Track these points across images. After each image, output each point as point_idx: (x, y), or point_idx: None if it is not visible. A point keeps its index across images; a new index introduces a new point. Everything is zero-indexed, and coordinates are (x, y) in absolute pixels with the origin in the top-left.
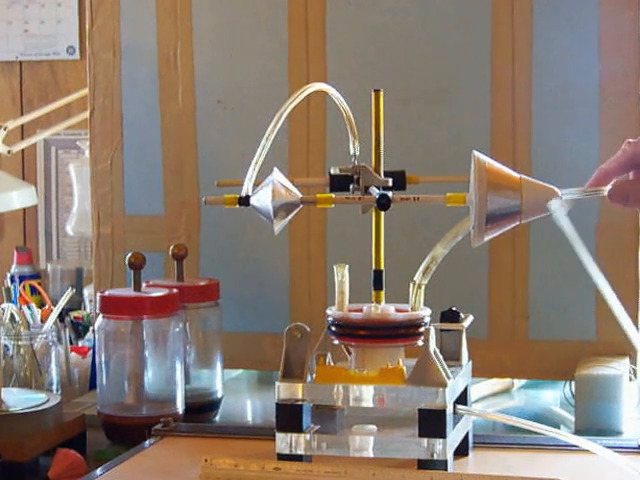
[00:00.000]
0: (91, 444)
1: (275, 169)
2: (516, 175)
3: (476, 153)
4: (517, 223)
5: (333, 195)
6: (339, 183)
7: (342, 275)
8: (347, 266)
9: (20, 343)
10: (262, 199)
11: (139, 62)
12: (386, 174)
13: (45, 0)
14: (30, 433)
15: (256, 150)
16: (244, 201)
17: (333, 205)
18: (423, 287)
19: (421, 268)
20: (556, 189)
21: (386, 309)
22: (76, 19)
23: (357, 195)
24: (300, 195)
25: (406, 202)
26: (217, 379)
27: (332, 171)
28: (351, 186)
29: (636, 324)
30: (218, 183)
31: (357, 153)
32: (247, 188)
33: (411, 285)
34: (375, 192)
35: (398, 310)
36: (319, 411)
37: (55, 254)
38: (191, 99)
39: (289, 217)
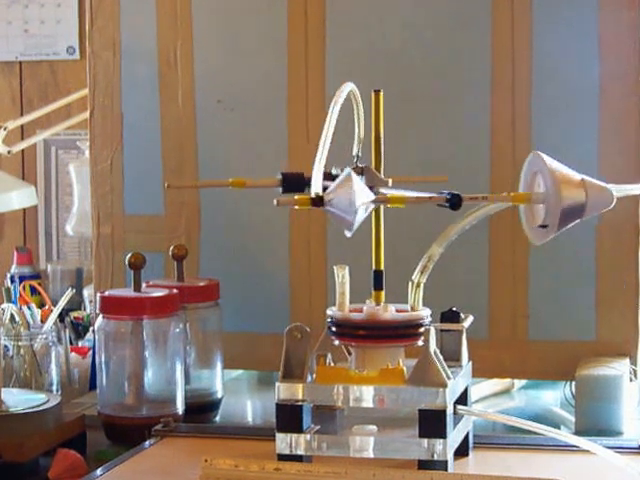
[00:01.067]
0: (91, 444)
1: (347, 168)
2: (578, 175)
3: (540, 153)
4: (578, 220)
5: (405, 195)
6: (291, 184)
7: (342, 276)
8: (347, 267)
9: (20, 343)
10: (340, 200)
11: (139, 62)
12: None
13: (45, 0)
14: (30, 433)
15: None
16: (318, 202)
17: (404, 205)
18: (422, 286)
19: (419, 267)
20: (609, 187)
21: (386, 309)
22: (76, 19)
23: (426, 195)
24: (373, 195)
25: (475, 201)
26: (217, 379)
27: (334, 171)
28: None
29: (636, 324)
30: (168, 185)
31: (360, 154)
32: (317, 189)
33: (410, 284)
34: (445, 192)
35: (398, 310)
36: (319, 411)
37: (55, 254)
38: (191, 99)
39: (363, 218)
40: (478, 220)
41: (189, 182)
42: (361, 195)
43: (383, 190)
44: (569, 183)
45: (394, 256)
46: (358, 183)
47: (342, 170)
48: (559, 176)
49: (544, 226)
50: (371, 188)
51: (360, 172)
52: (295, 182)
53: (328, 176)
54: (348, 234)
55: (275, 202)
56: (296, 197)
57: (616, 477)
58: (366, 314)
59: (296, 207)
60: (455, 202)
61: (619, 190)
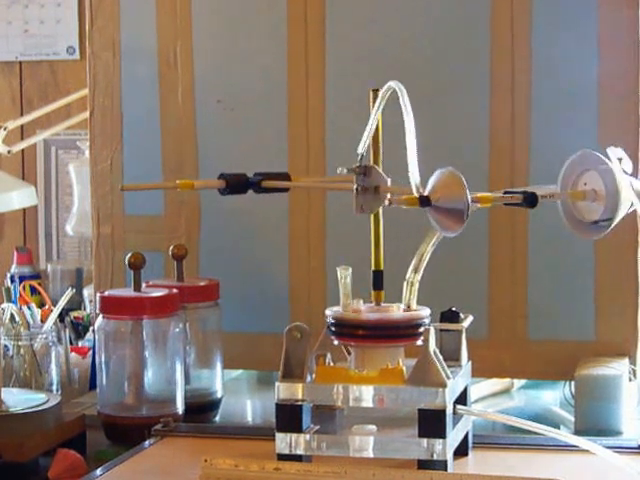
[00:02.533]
0: (91, 444)
1: (450, 167)
2: (625, 175)
3: (593, 152)
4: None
5: (492, 194)
6: (234, 185)
7: (345, 277)
8: (350, 268)
9: (20, 343)
10: (449, 199)
11: (139, 62)
12: None
13: (45, 0)
14: (30, 433)
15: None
16: (426, 201)
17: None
18: (416, 284)
19: (411, 266)
20: None
21: (386, 309)
22: (76, 19)
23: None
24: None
25: (545, 200)
26: (217, 379)
27: (339, 171)
28: (355, 186)
29: (636, 324)
30: (122, 187)
31: (365, 153)
32: (418, 188)
33: (404, 283)
34: (520, 191)
35: (398, 310)
36: (319, 411)
37: (55, 254)
38: (191, 99)
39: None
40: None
41: (139, 185)
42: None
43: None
44: (624, 181)
45: (394, 256)
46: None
47: (347, 170)
48: (619, 175)
49: (597, 222)
50: (377, 188)
51: (364, 172)
52: (239, 183)
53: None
54: (452, 235)
55: (387, 202)
56: (404, 197)
57: (616, 477)
58: (366, 314)
59: (404, 207)
60: (531, 201)
61: None
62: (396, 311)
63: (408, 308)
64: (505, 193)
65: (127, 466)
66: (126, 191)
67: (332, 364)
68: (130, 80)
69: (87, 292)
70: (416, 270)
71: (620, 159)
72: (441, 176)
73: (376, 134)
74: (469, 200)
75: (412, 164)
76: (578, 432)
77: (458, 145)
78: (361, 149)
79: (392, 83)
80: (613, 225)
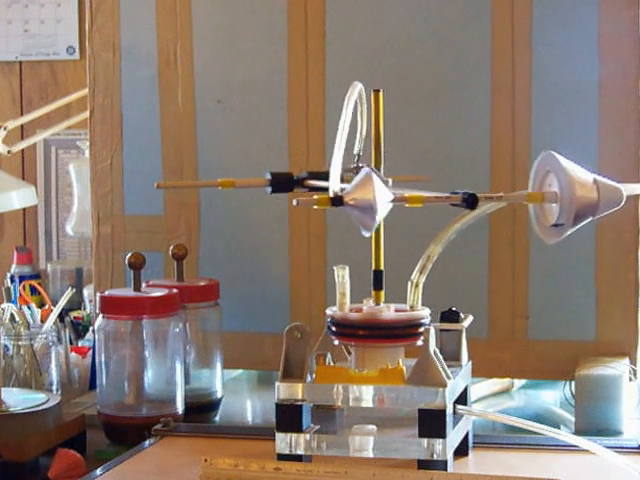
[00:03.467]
0: (91, 444)
1: (366, 167)
2: (590, 174)
3: (553, 153)
4: (590, 219)
5: (423, 195)
6: (280, 183)
7: (342, 276)
8: (347, 267)
9: (20, 343)
10: (360, 199)
11: (139, 62)
12: None
13: (45, 0)
14: (30, 433)
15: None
16: (337, 202)
17: (422, 205)
18: (421, 286)
19: (417, 267)
20: (621, 187)
21: (386, 309)
22: (76, 19)
23: (443, 195)
24: (392, 195)
25: (490, 201)
26: (217, 379)
27: None
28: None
29: (636, 324)
30: (157, 185)
31: (361, 153)
32: (336, 188)
33: (409, 284)
34: (461, 192)
35: (398, 310)
36: (319, 411)
37: (55, 254)
38: (191, 99)
39: (382, 218)
40: (475, 219)
41: (178, 182)
42: (381, 195)
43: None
44: (583, 183)
45: (394, 256)
46: (378, 182)
47: (343, 170)
48: (574, 176)
49: (558, 225)
50: None
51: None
52: (284, 182)
53: (327, 175)
54: (366, 234)
55: (295, 202)
56: (315, 197)
57: (616, 477)
58: (366, 314)
59: (315, 207)
60: (471, 202)
61: (628, 189)
62: (396, 311)
63: (411, 308)
64: (452, 193)
65: (127, 466)
66: (162, 188)
67: (332, 364)
68: (130, 80)
69: (87, 292)
70: (422, 271)
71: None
72: (359, 176)
73: (377, 135)
74: (376, 202)
75: (335, 162)
76: (578, 432)
77: (459, 145)
78: (357, 149)
79: (359, 85)
80: (571, 229)
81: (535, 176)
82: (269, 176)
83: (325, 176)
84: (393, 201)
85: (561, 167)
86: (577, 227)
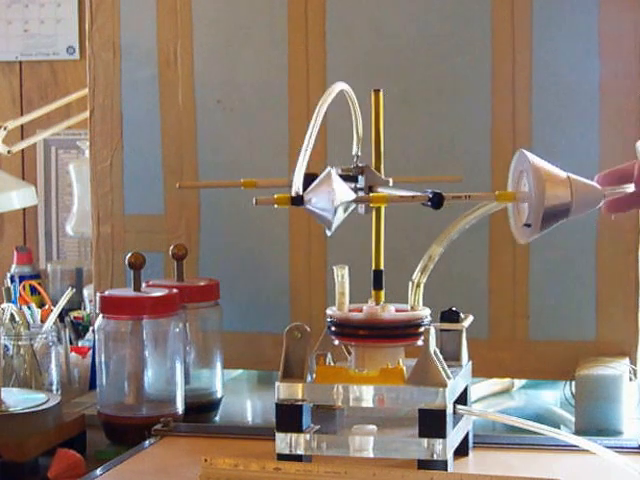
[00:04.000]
0: (91, 444)
1: (329, 168)
2: (563, 173)
3: (525, 151)
4: (564, 220)
5: (388, 194)
6: (305, 184)
7: (342, 276)
8: (347, 267)
9: (20, 343)
10: (319, 199)
11: (139, 62)
12: None
13: (45, 0)
14: (30, 433)
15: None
16: (297, 201)
17: (386, 204)
18: (422, 286)
19: (419, 267)
20: (599, 186)
21: (386, 309)
22: (76, 19)
23: (408, 194)
24: (354, 195)
25: (457, 200)
26: (217, 379)
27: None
28: (353, 185)
29: (636, 324)
30: (179, 185)
31: (360, 154)
32: (297, 188)
33: (410, 284)
34: (428, 191)
35: (398, 310)
36: (319, 411)
37: (55, 254)
38: (191, 99)
39: (343, 217)
40: (478, 219)
41: (200, 182)
42: (341, 194)
43: (381, 189)
44: (554, 181)
45: (394, 256)
46: (338, 182)
47: (342, 170)
48: (543, 174)
49: (528, 225)
50: (371, 188)
51: (360, 172)
52: (309, 183)
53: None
54: (328, 233)
55: (254, 201)
56: (276, 196)
57: (616, 477)
58: (366, 314)
59: (275, 206)
60: (437, 201)
61: (610, 189)
62: (396, 311)
63: (412, 309)
64: (423, 192)
65: (127, 466)
66: (183, 188)
67: (332, 364)
68: (130, 80)
69: (87, 292)
70: (423, 271)
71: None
72: (321, 175)
73: (377, 135)
74: (334, 201)
75: (301, 161)
76: (578, 432)
77: (459, 145)
78: (355, 150)
79: (340, 84)
80: (542, 230)
81: (512, 176)
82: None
83: (348, 178)
84: (355, 201)
85: (531, 165)
86: (550, 228)
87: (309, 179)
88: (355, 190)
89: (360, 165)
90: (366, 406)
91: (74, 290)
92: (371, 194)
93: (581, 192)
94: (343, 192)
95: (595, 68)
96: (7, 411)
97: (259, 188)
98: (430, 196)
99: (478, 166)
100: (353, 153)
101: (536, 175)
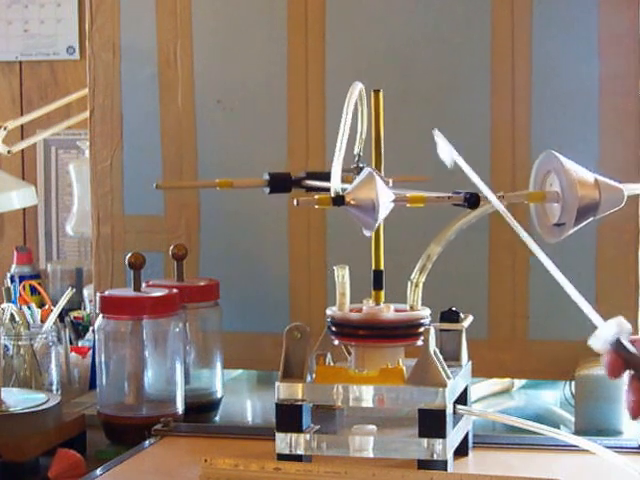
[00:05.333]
0: (91, 444)
1: (369, 168)
2: (591, 174)
3: (554, 152)
4: (591, 219)
5: (425, 194)
6: (278, 184)
7: (342, 276)
8: (347, 267)
9: (20, 343)
10: (361, 199)
11: (139, 62)
12: None
13: (45, 0)
14: (30, 433)
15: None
16: (338, 201)
17: (423, 205)
18: (421, 285)
19: (417, 267)
20: (622, 186)
21: (386, 309)
22: (76, 19)
23: (444, 195)
24: (393, 195)
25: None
26: (217, 379)
27: None
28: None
29: (636, 324)
30: (156, 186)
31: (361, 154)
32: (337, 188)
33: (409, 284)
34: (462, 192)
35: (398, 310)
36: (319, 411)
37: (55, 254)
38: (191, 99)
39: (383, 217)
40: (476, 219)
41: (177, 183)
42: (383, 195)
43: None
44: (584, 182)
45: (394, 256)
46: (380, 182)
47: (343, 170)
48: (575, 175)
49: (559, 224)
50: None
51: (361, 171)
52: (282, 182)
53: (325, 175)
54: (368, 234)
55: (295, 202)
56: (317, 197)
57: (616, 477)
58: (366, 314)
59: (317, 207)
60: (473, 202)
61: (629, 189)
62: (396, 311)
63: (411, 308)
64: (454, 193)
65: (127, 466)
66: (161, 189)
67: (332, 364)
68: (130, 80)
69: (87, 292)
70: (421, 271)
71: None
72: (361, 176)
73: (377, 135)
74: (378, 202)
75: (336, 162)
76: (578, 432)
77: (459, 145)
78: (357, 149)
79: (359, 85)
80: (573, 229)
81: (536, 176)
82: (267, 176)
83: (323, 176)
84: (394, 201)
85: (563, 167)
86: (579, 226)
87: (281, 178)
88: None
89: (361, 165)
90: (366, 406)
91: (74, 290)
92: (408, 194)
93: (607, 192)
94: (385, 192)
95: (595, 68)
96: (7, 411)
97: (235, 188)
98: (466, 197)
99: (478, 166)
100: (355, 152)
101: (569, 176)
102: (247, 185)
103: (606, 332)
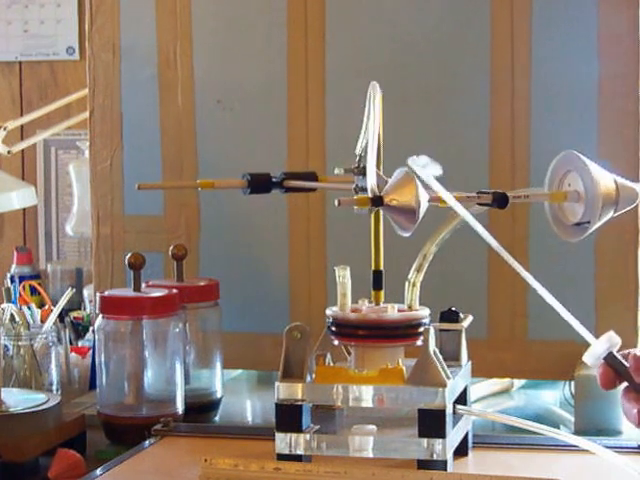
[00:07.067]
0: (91, 444)
1: (404, 168)
2: (609, 174)
3: (575, 152)
4: (609, 217)
5: (456, 194)
6: (257, 184)
7: (343, 277)
8: (348, 268)
9: (20, 343)
10: (401, 200)
11: (139, 62)
12: None
13: (45, 0)
14: (30, 433)
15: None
16: (377, 202)
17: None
18: (418, 285)
19: (414, 266)
20: (636, 186)
21: (386, 309)
22: (76, 19)
23: (473, 194)
24: (427, 195)
25: (517, 200)
26: (217, 379)
27: (336, 171)
28: (354, 185)
29: (636, 324)
30: (139, 186)
31: (363, 154)
32: (374, 188)
33: (406, 283)
34: (491, 191)
35: (397, 310)
36: (319, 411)
37: (55, 254)
38: (191, 99)
39: (421, 218)
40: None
41: (158, 183)
42: (423, 195)
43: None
44: (606, 182)
45: (394, 256)
46: (418, 183)
47: (345, 170)
48: (598, 175)
49: (581, 223)
50: None
51: (362, 172)
52: (261, 182)
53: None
54: (406, 234)
55: (336, 202)
56: (356, 197)
57: (616, 477)
58: (366, 314)
59: (356, 207)
60: (502, 201)
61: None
62: (396, 311)
63: (409, 308)
64: (479, 193)
65: (127, 466)
66: (143, 190)
67: (332, 364)
68: (130, 80)
69: (87, 292)
70: (418, 270)
71: (425, 165)
72: (397, 176)
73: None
74: (419, 202)
75: (371, 164)
76: (578, 432)
77: (458, 145)
78: (358, 150)
79: (376, 85)
80: (594, 227)
81: (553, 175)
82: (248, 177)
83: (302, 176)
84: (429, 201)
85: (585, 167)
86: (599, 225)
87: (261, 179)
88: (357, 190)
89: (362, 165)
90: (366, 406)
91: (74, 290)
92: (438, 194)
93: (624, 191)
94: (424, 193)
95: (594, 68)
96: (7, 411)
97: (216, 189)
98: (495, 197)
99: (477, 165)
100: (356, 152)
101: (592, 176)
102: (228, 186)
103: (598, 348)
